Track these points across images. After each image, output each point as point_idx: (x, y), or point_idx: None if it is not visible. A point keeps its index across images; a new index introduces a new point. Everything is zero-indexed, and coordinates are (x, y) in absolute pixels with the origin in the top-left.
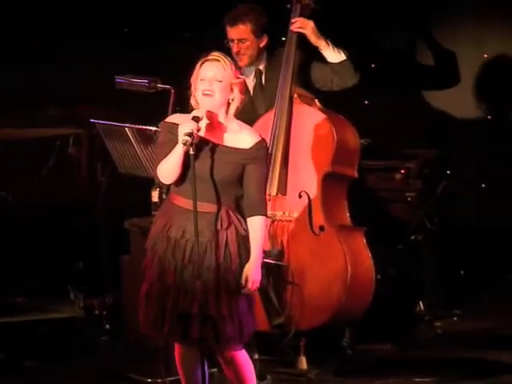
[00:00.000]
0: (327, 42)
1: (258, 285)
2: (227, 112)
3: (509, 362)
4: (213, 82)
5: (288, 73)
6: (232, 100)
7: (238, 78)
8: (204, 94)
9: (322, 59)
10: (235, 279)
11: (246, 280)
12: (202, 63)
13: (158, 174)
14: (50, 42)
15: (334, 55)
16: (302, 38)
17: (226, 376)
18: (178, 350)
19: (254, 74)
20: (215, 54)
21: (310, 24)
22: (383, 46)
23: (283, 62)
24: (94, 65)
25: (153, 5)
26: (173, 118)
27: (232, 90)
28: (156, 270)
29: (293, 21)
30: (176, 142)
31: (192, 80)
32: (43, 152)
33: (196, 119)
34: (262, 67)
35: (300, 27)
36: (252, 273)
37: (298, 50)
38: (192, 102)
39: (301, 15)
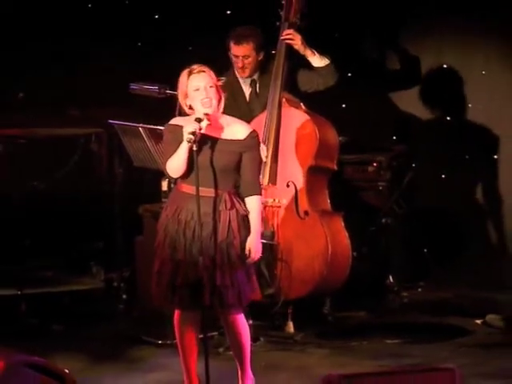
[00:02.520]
0: (312, 51)
1: (259, 254)
2: (218, 109)
3: (464, 326)
4: (207, 89)
5: (278, 80)
6: (221, 99)
7: (218, 79)
8: (204, 103)
9: (306, 66)
10: (236, 253)
11: (250, 251)
12: (189, 75)
13: (167, 170)
14: (74, 53)
15: (319, 61)
16: (289, 50)
17: (227, 338)
18: (177, 316)
19: (249, 83)
20: (198, 67)
21: (299, 37)
22: (358, 57)
23: (274, 71)
24: (111, 73)
25: (161, 24)
26: (175, 121)
27: (219, 90)
28: (168, 249)
29: (285, 32)
30: (179, 141)
31: (181, 91)
32: (70, 148)
33: (198, 120)
34: (256, 77)
35: (291, 39)
36: (254, 244)
37: (286, 60)
38: (185, 108)
39: None
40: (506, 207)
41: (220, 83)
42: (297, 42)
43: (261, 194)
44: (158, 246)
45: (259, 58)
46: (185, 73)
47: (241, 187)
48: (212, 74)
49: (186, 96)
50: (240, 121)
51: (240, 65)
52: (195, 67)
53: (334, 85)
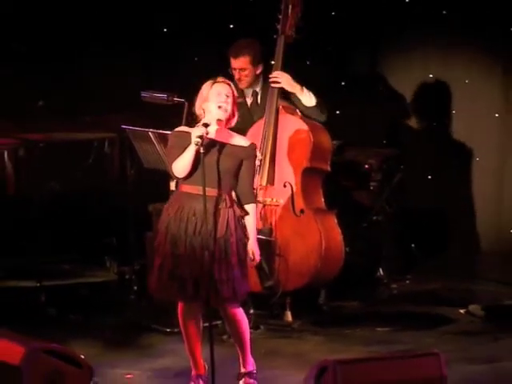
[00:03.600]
0: (302, 88)
1: (259, 256)
2: (227, 124)
3: (448, 315)
4: (228, 96)
5: (274, 92)
6: (234, 116)
7: (238, 97)
8: (220, 106)
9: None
10: (232, 250)
11: (253, 254)
12: (213, 84)
13: (173, 171)
14: (89, 65)
15: (306, 99)
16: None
17: (228, 328)
18: (181, 307)
19: (251, 93)
20: (223, 79)
21: (285, 76)
22: (352, 67)
23: (268, 98)
24: (123, 82)
25: (169, 37)
26: (180, 128)
27: (235, 104)
28: (169, 245)
29: (271, 75)
30: (183, 145)
31: (201, 96)
32: (85, 151)
33: (205, 125)
34: (257, 89)
35: (276, 82)
36: (255, 248)
37: (279, 98)
38: (199, 112)
39: (285, 43)
40: (485, 206)
41: (239, 100)
42: (283, 83)
43: (256, 202)
44: (159, 243)
45: (257, 71)
46: (209, 83)
47: (238, 195)
48: (234, 88)
49: (205, 100)
50: (240, 135)
51: (237, 77)
52: (220, 78)
53: (323, 121)
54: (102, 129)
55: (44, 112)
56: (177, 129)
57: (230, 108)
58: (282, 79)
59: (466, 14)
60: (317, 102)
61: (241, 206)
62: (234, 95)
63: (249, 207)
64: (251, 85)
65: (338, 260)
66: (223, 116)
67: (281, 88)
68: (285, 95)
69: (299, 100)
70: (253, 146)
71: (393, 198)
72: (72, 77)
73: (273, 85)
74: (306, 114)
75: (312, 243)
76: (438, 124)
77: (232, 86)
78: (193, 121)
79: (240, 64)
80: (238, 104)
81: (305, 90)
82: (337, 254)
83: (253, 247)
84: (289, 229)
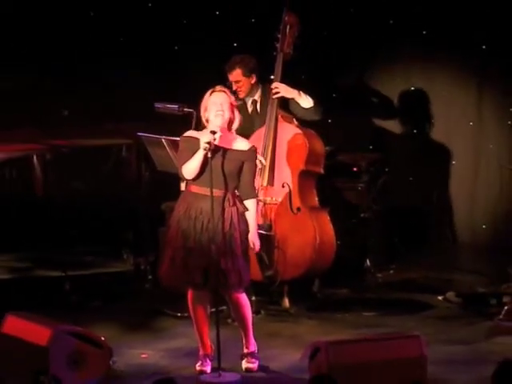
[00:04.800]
0: (299, 93)
1: (259, 246)
2: (229, 127)
3: (427, 301)
4: (223, 105)
5: (274, 104)
6: (234, 119)
7: (235, 101)
8: (217, 114)
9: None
10: (237, 243)
11: (253, 244)
12: (211, 93)
13: (183, 173)
14: (109, 79)
15: (304, 102)
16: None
17: (232, 313)
18: (190, 294)
19: (251, 102)
20: (220, 87)
21: (282, 85)
22: (343, 81)
23: (269, 106)
24: (139, 94)
25: (180, 54)
26: (189, 133)
27: (233, 109)
28: (181, 239)
29: (271, 88)
30: (192, 150)
31: (202, 105)
32: (104, 155)
33: (213, 132)
34: (257, 97)
35: (277, 92)
36: (255, 238)
37: (278, 107)
38: (203, 120)
39: (283, 60)
40: (460, 204)
41: (236, 104)
42: (282, 93)
43: (256, 197)
44: (171, 237)
45: (251, 82)
46: (209, 92)
47: (240, 191)
48: (230, 95)
49: (205, 109)
50: (243, 138)
51: (234, 88)
52: (218, 88)
53: (319, 119)
54: (120, 136)
55: (68, 120)
56: (185, 134)
57: (227, 113)
58: (281, 89)
59: (444, 33)
60: (313, 103)
61: (242, 202)
62: (229, 101)
63: (249, 202)
64: (249, 94)
65: (331, 253)
66: (222, 122)
67: (281, 97)
68: (283, 104)
69: (298, 104)
70: (253, 149)
71: (379, 198)
72: (94, 89)
73: (274, 96)
74: (304, 116)
75: (307, 237)
76: (419, 131)
77: (228, 92)
78: (200, 127)
79: (234, 77)
80: (239, 109)
81: (302, 94)
82: (329, 247)
83: (253, 238)
84: (287, 225)
